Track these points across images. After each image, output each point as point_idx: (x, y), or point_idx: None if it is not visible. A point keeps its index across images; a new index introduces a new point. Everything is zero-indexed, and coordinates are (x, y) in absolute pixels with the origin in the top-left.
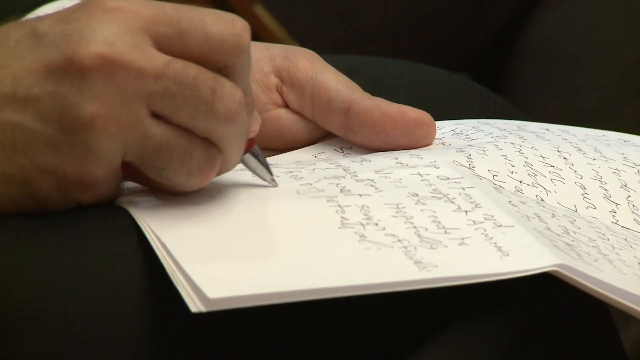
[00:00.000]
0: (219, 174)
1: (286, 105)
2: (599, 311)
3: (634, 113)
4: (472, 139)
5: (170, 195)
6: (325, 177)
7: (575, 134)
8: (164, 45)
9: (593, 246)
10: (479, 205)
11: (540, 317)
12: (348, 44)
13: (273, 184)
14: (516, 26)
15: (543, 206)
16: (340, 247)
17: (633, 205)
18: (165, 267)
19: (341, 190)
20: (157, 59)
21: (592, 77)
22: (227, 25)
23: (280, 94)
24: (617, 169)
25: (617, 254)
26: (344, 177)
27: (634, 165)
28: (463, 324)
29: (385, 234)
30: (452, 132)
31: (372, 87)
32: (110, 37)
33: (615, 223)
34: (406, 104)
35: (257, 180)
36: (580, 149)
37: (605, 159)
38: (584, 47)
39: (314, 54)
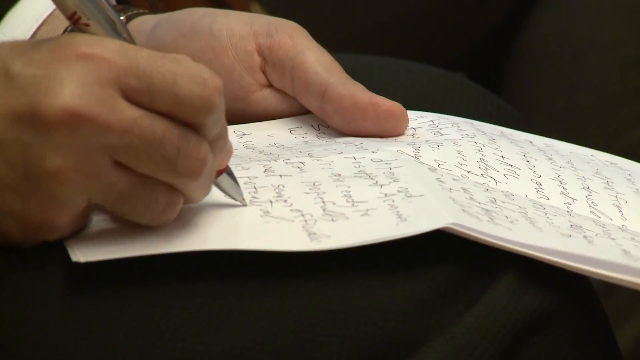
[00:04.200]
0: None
1: (270, 85)
2: (593, 309)
3: (633, 112)
4: (443, 134)
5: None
6: (257, 160)
7: (560, 150)
8: (132, 98)
9: (519, 212)
10: (397, 180)
11: (534, 315)
12: (345, 43)
13: (243, 203)
14: (514, 24)
15: (480, 184)
16: (237, 221)
17: (592, 202)
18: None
19: (265, 171)
20: (124, 114)
21: (591, 75)
22: (199, 87)
23: (264, 73)
24: (584, 177)
25: (548, 218)
26: (275, 160)
27: (603, 178)
28: (459, 328)
29: (290, 210)
30: (430, 124)
31: (369, 86)
32: (78, 89)
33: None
34: (403, 103)
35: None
36: (550, 158)
37: (574, 169)
38: (583, 45)
39: (297, 28)
